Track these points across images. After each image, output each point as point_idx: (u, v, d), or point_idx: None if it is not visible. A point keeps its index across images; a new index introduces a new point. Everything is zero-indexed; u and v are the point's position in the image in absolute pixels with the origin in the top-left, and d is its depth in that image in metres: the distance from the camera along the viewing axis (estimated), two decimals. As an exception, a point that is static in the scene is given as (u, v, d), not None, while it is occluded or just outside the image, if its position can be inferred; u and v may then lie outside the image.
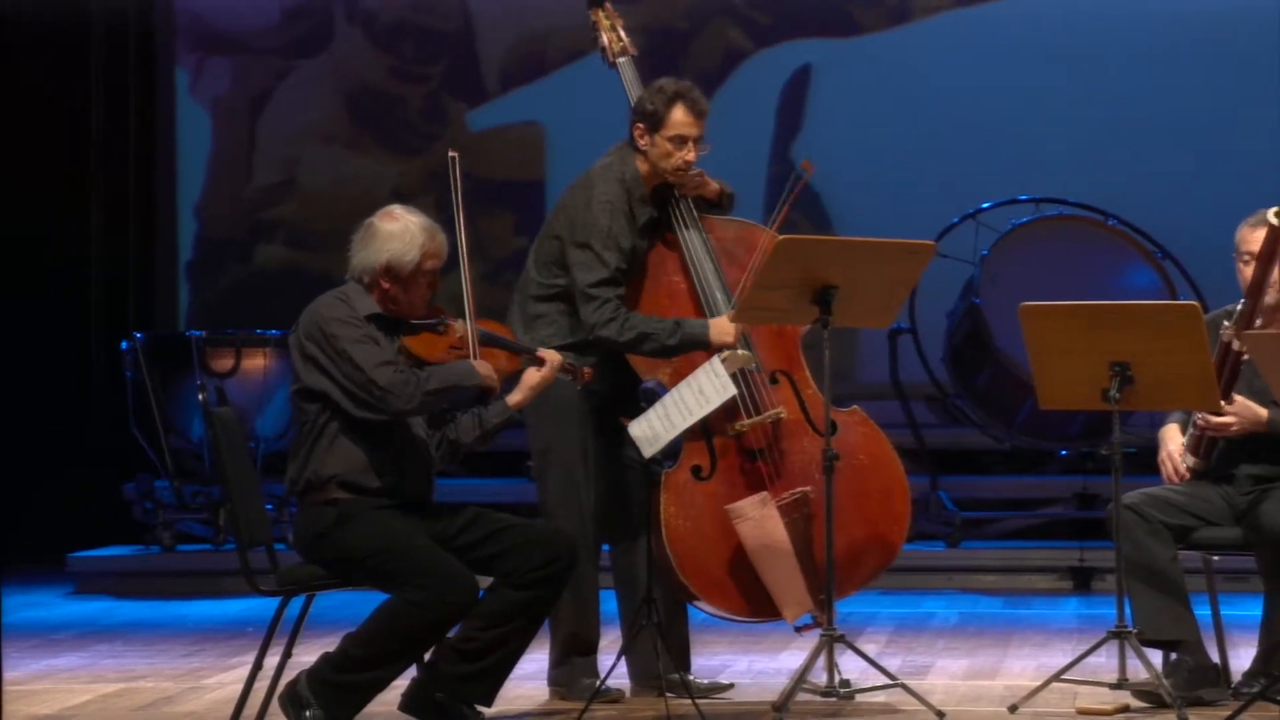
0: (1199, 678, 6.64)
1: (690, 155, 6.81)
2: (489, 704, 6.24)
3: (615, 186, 6.81)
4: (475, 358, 6.19)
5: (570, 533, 6.46)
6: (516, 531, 6.20)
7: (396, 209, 6.27)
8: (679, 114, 6.79)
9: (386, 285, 6.18)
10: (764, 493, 6.80)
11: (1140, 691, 6.63)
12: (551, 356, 6.34)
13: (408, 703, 6.23)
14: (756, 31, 11.82)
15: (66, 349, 11.65)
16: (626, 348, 6.78)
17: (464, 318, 6.22)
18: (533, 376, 6.32)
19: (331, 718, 6.05)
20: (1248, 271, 6.73)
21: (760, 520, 6.75)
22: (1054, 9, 11.57)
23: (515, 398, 6.32)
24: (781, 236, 6.74)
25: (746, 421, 6.85)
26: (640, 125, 6.83)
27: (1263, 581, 6.74)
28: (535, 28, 11.89)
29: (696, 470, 6.82)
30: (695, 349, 6.74)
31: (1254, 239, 6.73)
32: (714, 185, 6.97)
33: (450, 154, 6.38)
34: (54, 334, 11.56)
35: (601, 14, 7.14)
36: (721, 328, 6.75)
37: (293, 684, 6.10)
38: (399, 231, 6.19)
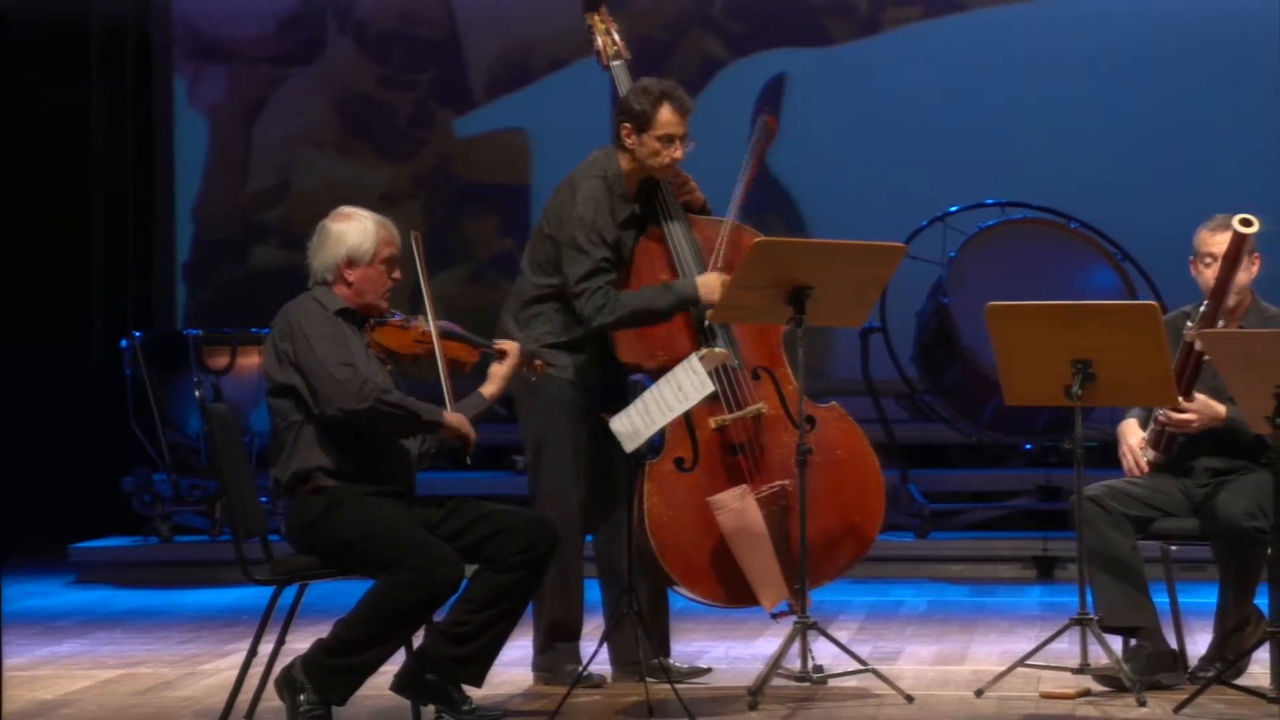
0: (1157, 662, 6.66)
1: (678, 153, 6.82)
2: (479, 684, 6.25)
3: (598, 183, 6.83)
4: (439, 351, 6.20)
5: (551, 517, 6.47)
6: (498, 518, 6.21)
7: (345, 209, 6.33)
8: (666, 114, 6.80)
9: (350, 276, 6.22)
10: (744, 485, 6.81)
11: (1102, 676, 6.64)
12: (511, 347, 6.38)
13: (399, 684, 6.23)
14: (733, 42, 11.82)
15: (68, 347, 11.64)
16: (623, 325, 6.78)
17: (424, 316, 6.26)
18: (499, 368, 6.35)
19: (325, 700, 6.06)
20: (1207, 273, 6.75)
21: (740, 512, 6.75)
22: (1016, 20, 11.59)
23: (489, 389, 6.34)
24: (758, 239, 6.75)
25: (729, 416, 6.85)
26: (627, 125, 6.83)
27: (1218, 570, 6.76)
28: (519, 38, 11.89)
29: (680, 462, 6.83)
30: (686, 308, 6.75)
31: (1213, 242, 6.75)
32: (700, 196, 6.99)
33: (413, 234, 6.37)
34: (56, 333, 11.55)
35: (597, 18, 7.14)
36: (709, 285, 6.74)
37: (288, 669, 6.10)
38: (353, 226, 6.25)
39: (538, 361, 6.51)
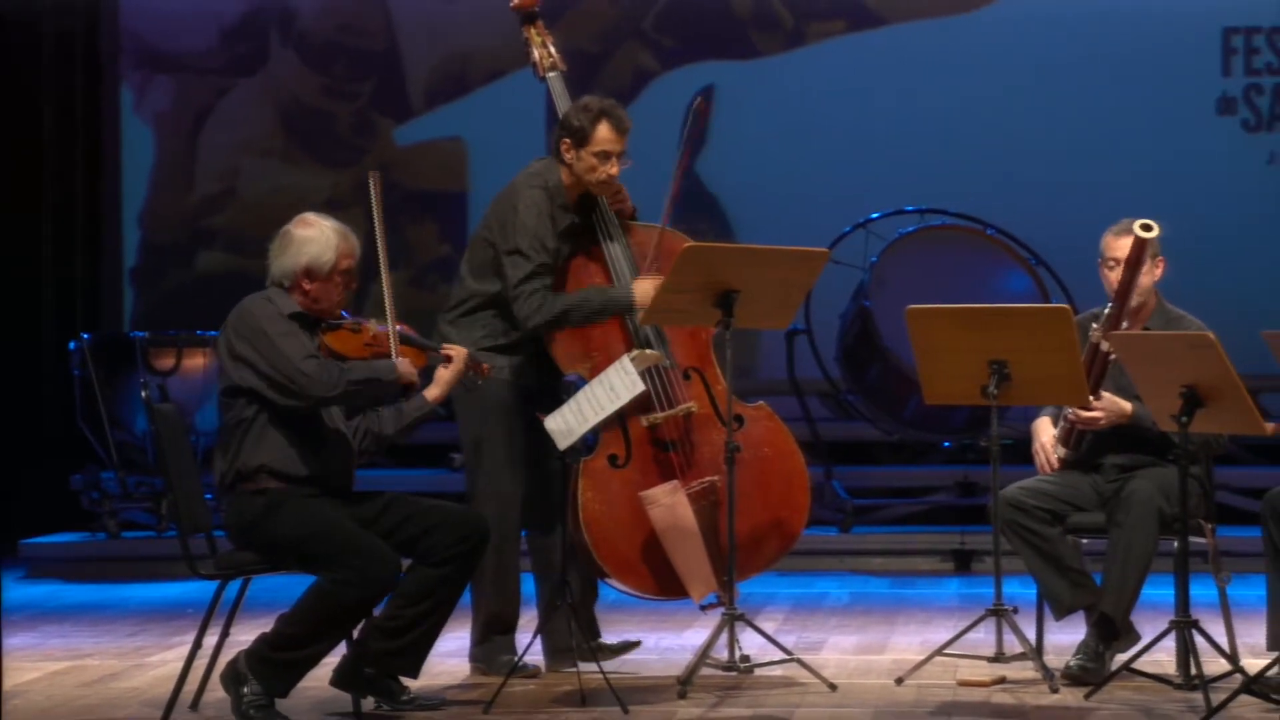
0: (1112, 638, 6.64)
1: (614, 169, 6.81)
2: (415, 676, 6.24)
3: (539, 192, 6.81)
4: (394, 355, 6.19)
5: (482, 513, 6.46)
6: (431, 514, 6.20)
7: (310, 216, 6.25)
8: (604, 131, 6.78)
9: (307, 286, 6.16)
10: (675, 481, 6.82)
11: (1069, 674, 6.58)
12: (458, 352, 6.36)
13: (339, 678, 6.22)
14: (663, 54, 11.83)
15: (18, 349, 11.55)
16: (558, 324, 6.76)
17: (377, 319, 6.22)
18: (444, 372, 6.33)
19: (268, 692, 6.03)
20: (1112, 276, 6.80)
21: (671, 506, 6.76)
22: (935, 33, 11.63)
23: (433, 392, 6.32)
24: (686, 244, 6.76)
25: (660, 414, 6.86)
26: (566, 140, 6.82)
27: (1106, 564, 6.69)
28: (457, 50, 11.87)
29: (613, 458, 6.83)
30: (620, 311, 6.75)
31: (1117, 246, 6.80)
32: (630, 205, 6.99)
33: (371, 173, 6.35)
34: (6, 335, 11.46)
35: (533, 30, 7.14)
36: (644, 291, 6.72)
37: (233, 663, 6.07)
38: (315, 236, 6.17)
39: (485, 365, 6.48)
